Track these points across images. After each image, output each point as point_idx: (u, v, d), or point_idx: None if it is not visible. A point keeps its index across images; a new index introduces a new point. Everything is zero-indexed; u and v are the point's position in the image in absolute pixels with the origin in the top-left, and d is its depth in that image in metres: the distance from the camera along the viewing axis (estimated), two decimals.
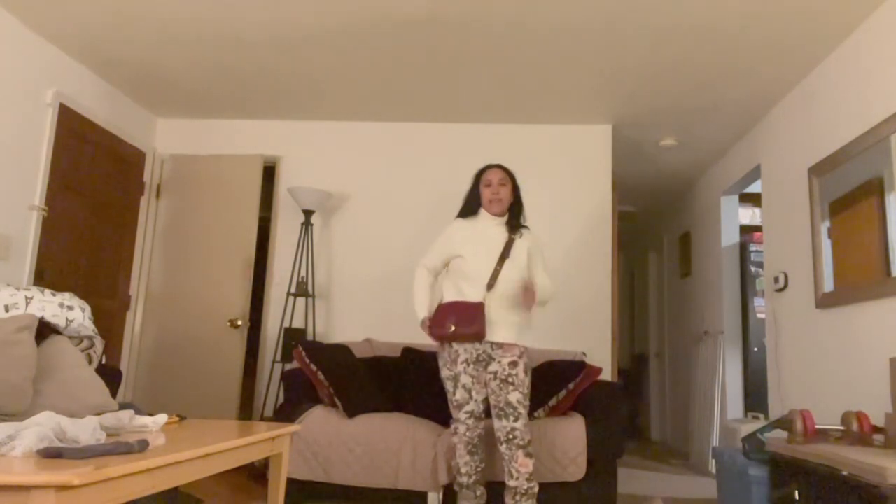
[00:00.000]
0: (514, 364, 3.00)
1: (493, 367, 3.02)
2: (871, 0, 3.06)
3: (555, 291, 3.24)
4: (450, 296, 3.09)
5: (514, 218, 3.18)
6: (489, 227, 3.15)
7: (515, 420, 2.94)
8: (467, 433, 3.03)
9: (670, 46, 3.57)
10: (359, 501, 3.52)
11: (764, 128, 4.49)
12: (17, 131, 3.64)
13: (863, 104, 3.24)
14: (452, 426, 3.08)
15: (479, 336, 2.96)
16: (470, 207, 3.21)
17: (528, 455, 2.94)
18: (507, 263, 3.06)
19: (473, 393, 3.03)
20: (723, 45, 3.53)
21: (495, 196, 3.12)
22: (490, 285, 3.02)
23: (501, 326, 3.03)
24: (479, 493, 3.08)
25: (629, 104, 4.39)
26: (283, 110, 4.77)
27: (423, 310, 3.12)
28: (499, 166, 3.20)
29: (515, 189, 3.21)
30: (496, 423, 2.98)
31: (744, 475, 3.05)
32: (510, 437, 2.94)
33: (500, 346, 3.03)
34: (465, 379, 3.02)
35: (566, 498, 3.37)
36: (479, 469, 3.06)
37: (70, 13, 3.50)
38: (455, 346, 3.03)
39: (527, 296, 2.96)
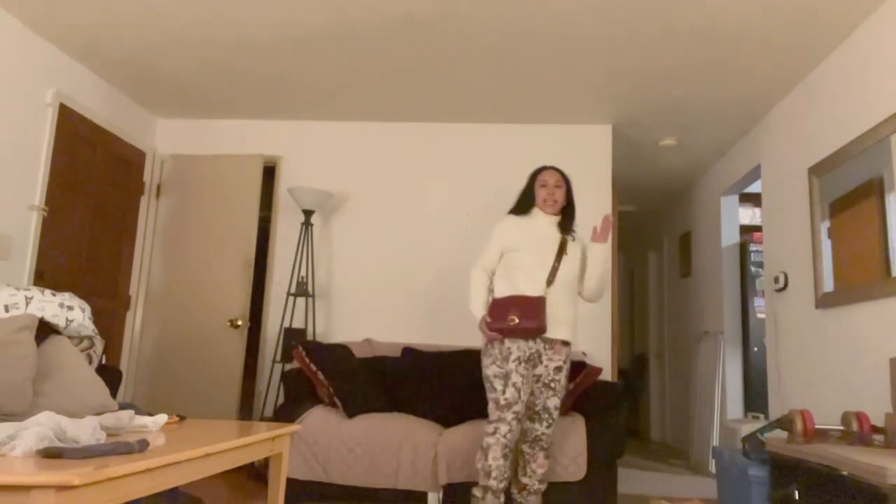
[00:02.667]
0: (559, 370, 3.02)
1: (539, 369, 3.00)
2: (871, 0, 3.06)
3: (604, 290, 3.23)
4: (503, 290, 3.03)
5: (568, 220, 3.19)
6: (543, 225, 3.14)
7: (549, 426, 3.02)
8: (508, 435, 2.88)
9: (670, 47, 3.57)
10: (359, 501, 3.52)
11: (764, 128, 4.49)
12: (17, 131, 3.64)
13: (863, 104, 3.24)
14: (492, 426, 2.90)
15: (541, 331, 2.91)
16: (523, 205, 3.21)
17: (547, 457, 3.05)
18: (565, 261, 3.06)
19: (521, 393, 2.92)
20: (723, 46, 3.53)
21: (550, 197, 3.14)
22: (550, 281, 3.00)
23: (559, 323, 3.01)
24: (502, 499, 2.97)
25: (629, 104, 4.39)
26: (283, 110, 4.77)
27: (482, 309, 3.04)
28: (555, 169, 3.22)
29: (569, 193, 3.22)
30: (528, 424, 3.02)
31: (744, 475, 3.05)
32: (538, 439, 3.02)
33: (552, 346, 3.01)
34: (515, 378, 2.90)
35: (566, 498, 3.37)
36: (507, 474, 2.93)
37: (70, 13, 3.50)
38: (508, 343, 2.93)
39: (605, 225, 3.04)
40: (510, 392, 2.89)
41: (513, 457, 3.15)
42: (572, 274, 3.09)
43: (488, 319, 2.94)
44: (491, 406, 2.93)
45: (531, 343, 2.98)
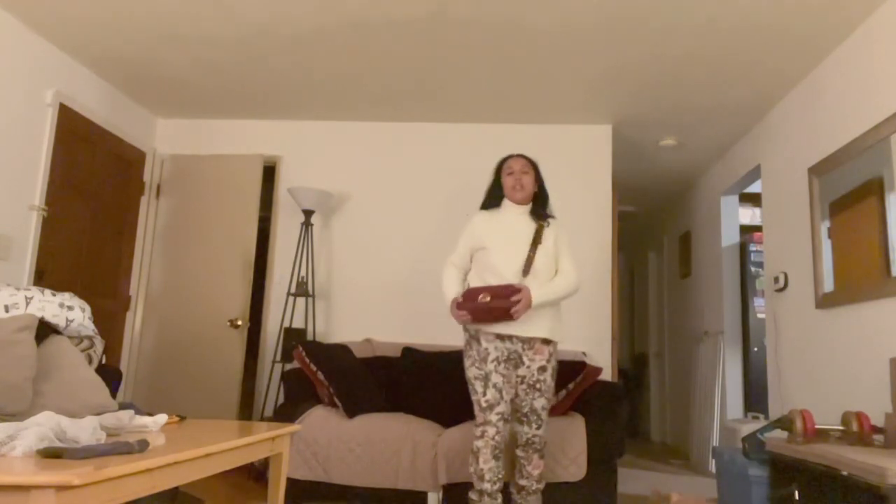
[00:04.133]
0: (542, 369, 2.93)
1: (521, 370, 2.93)
2: (871, 0, 3.06)
3: (578, 282, 3.03)
4: (474, 285, 2.97)
5: (540, 207, 3.09)
6: (513, 216, 3.04)
7: (538, 428, 2.94)
8: (496, 437, 2.83)
9: (670, 47, 3.57)
10: (359, 501, 3.52)
11: (764, 128, 4.49)
12: (17, 131, 3.64)
13: (863, 104, 3.24)
14: (479, 429, 2.86)
15: (508, 311, 2.77)
16: (492, 198, 3.11)
17: (542, 457, 2.98)
18: (540, 251, 2.95)
19: (503, 393, 2.86)
20: (723, 46, 3.53)
21: (518, 183, 3.02)
22: (525, 270, 2.89)
23: (536, 319, 2.90)
24: (499, 500, 2.92)
25: (629, 104, 4.39)
26: (283, 110, 4.77)
27: (452, 292, 2.98)
28: (520, 155, 3.12)
29: (538, 178, 3.11)
30: (517, 427, 2.96)
31: (744, 475, 3.05)
32: (530, 442, 2.95)
33: (531, 346, 2.93)
34: (495, 378, 2.85)
35: (566, 498, 3.37)
36: (500, 475, 2.89)
37: (70, 13, 3.50)
38: (484, 343, 2.88)
39: (517, 301, 2.81)
40: (491, 393, 2.84)
41: (507, 458, 3.12)
42: (548, 264, 2.97)
43: (459, 299, 2.88)
44: (475, 408, 2.89)
45: (508, 343, 2.91)
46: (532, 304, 2.84)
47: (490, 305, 2.78)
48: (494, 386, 2.85)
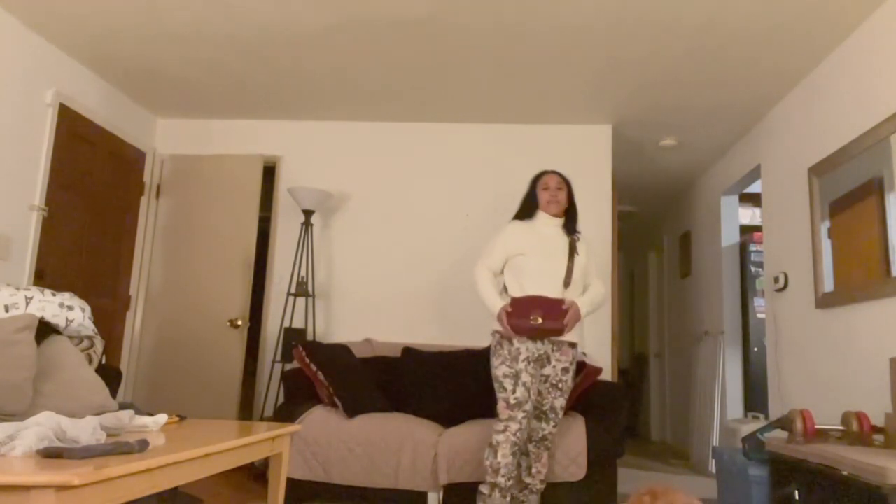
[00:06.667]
0: (566, 370, 3.08)
1: (547, 370, 3.06)
2: (871, 0, 3.06)
3: (606, 296, 3.27)
4: (514, 293, 3.08)
5: (571, 221, 3.24)
6: (547, 227, 3.19)
7: (555, 426, 3.09)
8: (518, 433, 2.93)
9: (670, 47, 3.57)
10: (359, 501, 3.52)
11: (764, 128, 4.49)
12: (17, 131, 3.64)
13: (863, 104, 3.24)
14: (502, 424, 2.95)
15: (562, 332, 2.98)
16: (527, 210, 3.27)
17: (550, 456, 3.12)
18: (576, 261, 3.11)
19: (531, 392, 2.98)
20: (723, 46, 3.53)
21: (553, 198, 3.19)
22: (567, 282, 3.05)
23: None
24: (508, 498, 2.97)
25: (629, 104, 4.39)
26: (283, 110, 4.77)
27: (498, 300, 3.07)
28: (555, 172, 3.27)
29: (570, 195, 3.27)
30: (534, 424, 3.09)
31: (744, 475, 3.05)
32: (545, 438, 3.09)
33: (559, 348, 3.06)
34: (525, 377, 2.96)
35: (566, 498, 3.37)
36: (514, 474, 2.97)
37: (70, 13, 3.50)
38: (517, 343, 2.99)
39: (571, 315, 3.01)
40: (520, 391, 2.95)
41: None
42: (580, 276, 3.14)
43: (509, 310, 2.98)
44: (501, 405, 2.97)
45: (539, 344, 3.03)
46: (581, 319, 3.05)
47: (543, 327, 2.96)
48: (524, 385, 2.96)
